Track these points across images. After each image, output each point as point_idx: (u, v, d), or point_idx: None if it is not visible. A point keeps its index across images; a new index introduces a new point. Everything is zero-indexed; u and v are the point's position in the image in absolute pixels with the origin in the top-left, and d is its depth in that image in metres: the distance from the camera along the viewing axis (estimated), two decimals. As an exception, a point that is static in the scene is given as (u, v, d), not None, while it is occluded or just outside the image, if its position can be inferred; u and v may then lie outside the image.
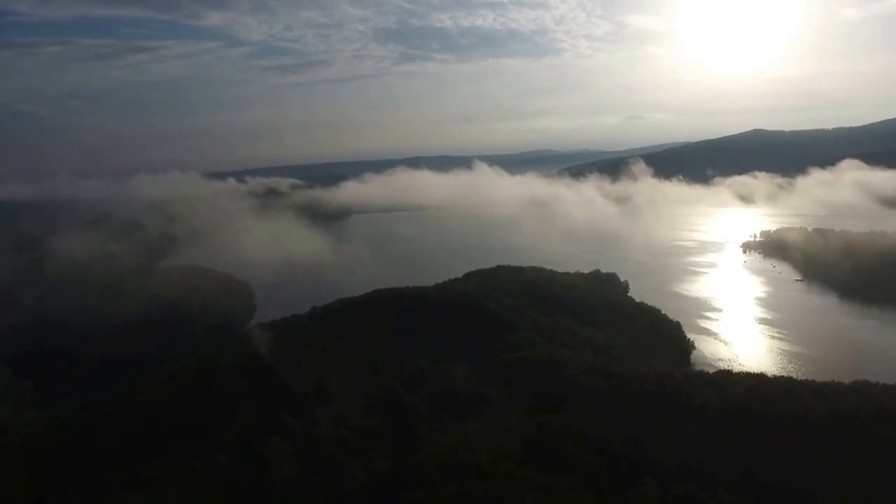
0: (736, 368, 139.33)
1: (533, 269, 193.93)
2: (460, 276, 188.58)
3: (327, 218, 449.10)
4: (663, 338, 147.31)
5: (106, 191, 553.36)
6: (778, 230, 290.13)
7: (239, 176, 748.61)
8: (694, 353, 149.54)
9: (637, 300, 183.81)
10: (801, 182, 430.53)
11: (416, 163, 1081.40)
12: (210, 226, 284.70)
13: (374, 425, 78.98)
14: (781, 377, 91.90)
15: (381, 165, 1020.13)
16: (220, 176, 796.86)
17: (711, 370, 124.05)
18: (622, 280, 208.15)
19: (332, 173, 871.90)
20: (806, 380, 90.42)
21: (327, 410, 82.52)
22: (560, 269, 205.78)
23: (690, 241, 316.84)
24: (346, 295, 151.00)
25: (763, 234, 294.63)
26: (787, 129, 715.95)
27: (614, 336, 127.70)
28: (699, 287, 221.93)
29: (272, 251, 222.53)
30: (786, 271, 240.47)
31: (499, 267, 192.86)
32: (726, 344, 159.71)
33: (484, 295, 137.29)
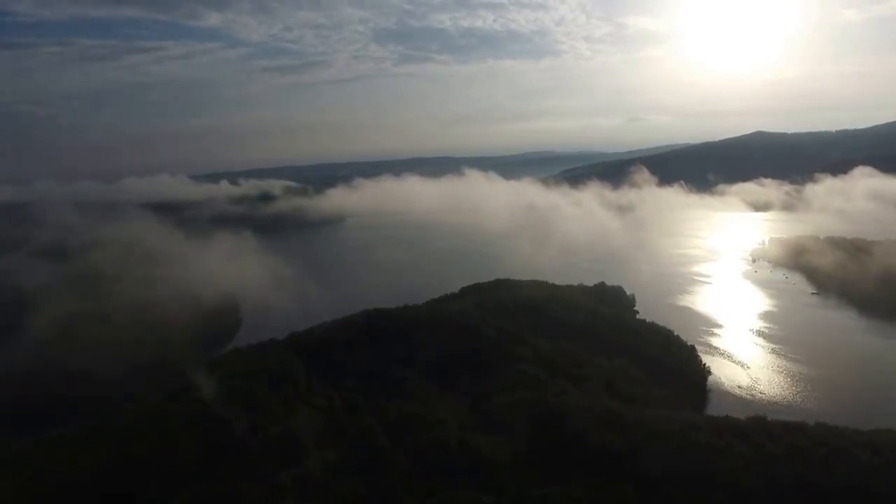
0: (758, 397, 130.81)
1: (534, 283, 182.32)
2: (456, 290, 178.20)
3: (313, 225, 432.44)
4: (677, 362, 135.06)
5: (77, 194, 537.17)
6: (788, 239, 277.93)
7: (233, 177, 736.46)
8: (710, 378, 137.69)
9: (644, 317, 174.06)
10: (811, 189, 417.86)
11: (415, 164, 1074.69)
12: (161, 243, 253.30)
13: (348, 492, 66.37)
14: (824, 427, 78.97)
15: (380, 167, 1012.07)
16: (214, 178, 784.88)
17: (738, 411, 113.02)
18: (628, 293, 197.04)
19: (330, 174, 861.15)
20: (855, 430, 77.81)
21: (295, 471, 69.79)
22: (562, 282, 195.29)
23: (696, 249, 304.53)
24: (332, 315, 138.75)
25: (772, 242, 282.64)
26: (789, 132, 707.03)
27: (625, 366, 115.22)
28: (708, 300, 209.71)
29: (253, 268, 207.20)
30: (799, 283, 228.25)
31: (497, 281, 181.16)
32: (743, 367, 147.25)
33: (481, 318, 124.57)
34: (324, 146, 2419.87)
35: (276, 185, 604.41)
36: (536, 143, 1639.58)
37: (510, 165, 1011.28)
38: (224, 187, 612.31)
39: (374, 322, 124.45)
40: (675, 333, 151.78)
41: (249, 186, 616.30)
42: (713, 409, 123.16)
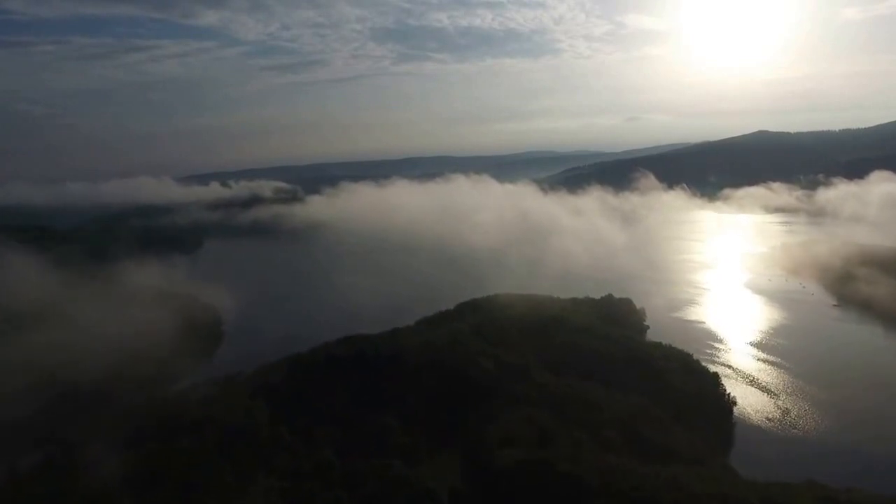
0: (791, 434, 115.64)
1: (535, 298, 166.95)
2: (447, 306, 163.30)
3: (291, 234, 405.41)
4: (700, 393, 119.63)
5: (53, 197, 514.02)
6: (803, 246, 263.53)
7: (225, 178, 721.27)
8: (735, 410, 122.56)
9: (655, 333, 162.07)
10: (823, 193, 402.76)
11: (414, 163, 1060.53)
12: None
13: None
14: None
15: (378, 166, 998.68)
16: (205, 179, 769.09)
17: (773, 451, 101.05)
18: (638, 307, 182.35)
19: (326, 175, 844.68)
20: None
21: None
22: (566, 292, 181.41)
23: (705, 257, 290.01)
24: (305, 345, 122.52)
25: (786, 249, 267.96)
26: (792, 131, 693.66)
27: (644, 404, 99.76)
28: (722, 313, 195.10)
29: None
30: (817, 293, 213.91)
31: (496, 296, 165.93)
32: (770, 395, 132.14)
33: (476, 349, 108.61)
34: (321, 145, 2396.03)
35: (266, 187, 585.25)
36: (535, 143, 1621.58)
37: (509, 165, 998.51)
38: (213, 189, 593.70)
39: (354, 352, 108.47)
40: (694, 357, 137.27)
41: (239, 188, 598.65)
42: (743, 450, 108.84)
